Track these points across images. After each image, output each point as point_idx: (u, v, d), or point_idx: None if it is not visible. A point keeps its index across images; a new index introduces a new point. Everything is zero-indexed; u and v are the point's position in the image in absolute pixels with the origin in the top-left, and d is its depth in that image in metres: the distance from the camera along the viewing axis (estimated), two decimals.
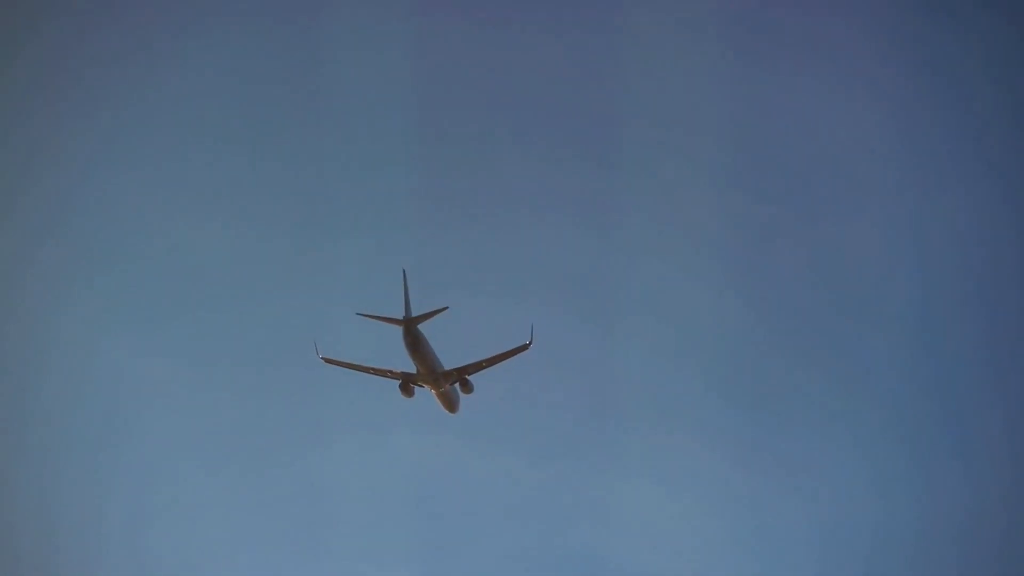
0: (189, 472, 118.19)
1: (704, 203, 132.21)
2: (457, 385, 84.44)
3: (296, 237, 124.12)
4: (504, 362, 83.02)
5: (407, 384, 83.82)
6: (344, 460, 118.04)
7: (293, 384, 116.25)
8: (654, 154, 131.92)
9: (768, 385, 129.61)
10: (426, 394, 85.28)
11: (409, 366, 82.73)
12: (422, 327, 79.87)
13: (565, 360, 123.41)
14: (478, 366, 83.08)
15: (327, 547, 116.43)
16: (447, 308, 78.03)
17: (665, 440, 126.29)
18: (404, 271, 78.69)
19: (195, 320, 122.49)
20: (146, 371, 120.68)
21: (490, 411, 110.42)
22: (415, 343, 79.69)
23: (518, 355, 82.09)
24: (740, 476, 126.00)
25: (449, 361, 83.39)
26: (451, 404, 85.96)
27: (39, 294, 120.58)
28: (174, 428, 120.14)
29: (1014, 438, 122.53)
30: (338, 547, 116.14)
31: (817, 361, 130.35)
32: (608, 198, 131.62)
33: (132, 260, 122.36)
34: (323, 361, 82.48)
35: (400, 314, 78.72)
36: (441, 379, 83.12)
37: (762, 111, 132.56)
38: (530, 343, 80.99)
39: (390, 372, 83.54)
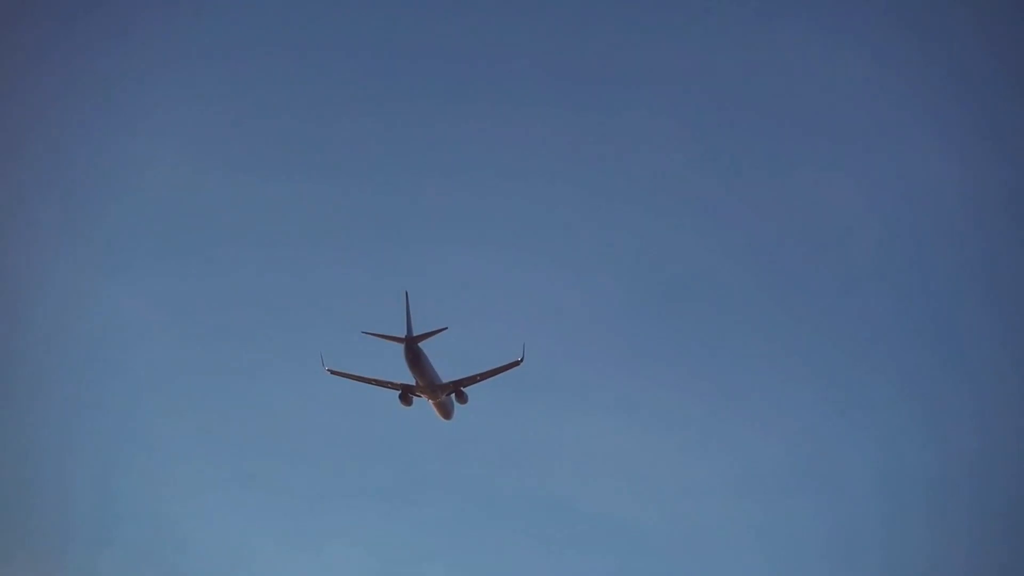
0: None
1: (680, 151, 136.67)
2: (453, 396, 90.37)
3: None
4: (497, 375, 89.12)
5: (406, 395, 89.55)
6: (315, 398, 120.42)
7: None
8: (631, 97, 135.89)
9: (745, 326, 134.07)
10: (423, 403, 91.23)
11: (409, 378, 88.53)
12: (422, 344, 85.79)
13: (541, 304, 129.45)
14: (472, 379, 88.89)
15: (299, 485, 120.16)
16: (446, 328, 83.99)
17: (641, 382, 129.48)
18: (406, 293, 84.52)
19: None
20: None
21: (469, 355, 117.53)
22: (415, 359, 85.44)
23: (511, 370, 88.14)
24: (714, 415, 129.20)
25: (446, 374, 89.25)
26: (447, 413, 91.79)
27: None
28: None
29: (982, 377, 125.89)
30: (306, 486, 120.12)
31: (791, 302, 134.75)
32: (583, 140, 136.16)
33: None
34: (329, 373, 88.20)
35: (402, 332, 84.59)
36: (438, 391, 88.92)
37: (742, 56, 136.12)
38: (522, 360, 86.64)
39: (391, 384, 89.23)
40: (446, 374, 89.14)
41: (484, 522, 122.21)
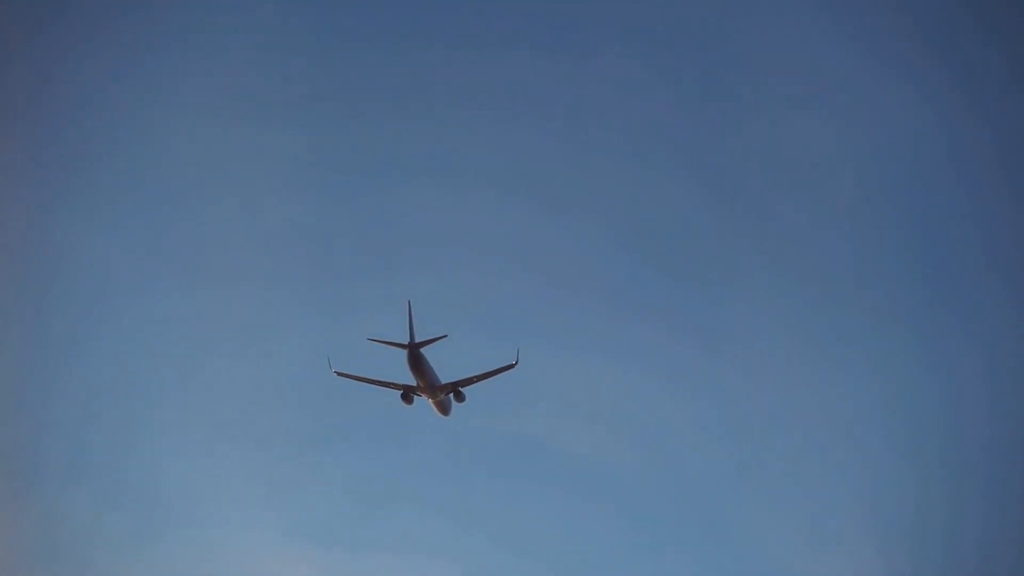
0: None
1: (659, 95, 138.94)
2: (452, 395, 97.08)
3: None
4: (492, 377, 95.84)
5: (408, 394, 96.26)
6: (297, 347, 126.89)
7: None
8: (609, 41, 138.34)
9: (726, 269, 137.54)
10: (423, 401, 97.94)
11: (411, 380, 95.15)
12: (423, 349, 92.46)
13: (523, 248, 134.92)
14: (469, 380, 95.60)
15: (277, 430, 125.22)
16: (446, 336, 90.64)
17: (623, 325, 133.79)
18: (408, 302, 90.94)
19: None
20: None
21: (450, 299, 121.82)
22: (417, 364, 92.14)
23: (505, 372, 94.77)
24: (697, 358, 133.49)
25: (445, 375, 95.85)
26: (445, 410, 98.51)
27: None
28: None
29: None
30: (284, 431, 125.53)
31: (768, 245, 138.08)
32: (561, 84, 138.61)
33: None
34: (336, 375, 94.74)
35: (405, 339, 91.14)
36: (438, 391, 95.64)
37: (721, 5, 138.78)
38: (516, 363, 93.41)
39: (394, 384, 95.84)
40: (444, 375, 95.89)
41: (462, 464, 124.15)
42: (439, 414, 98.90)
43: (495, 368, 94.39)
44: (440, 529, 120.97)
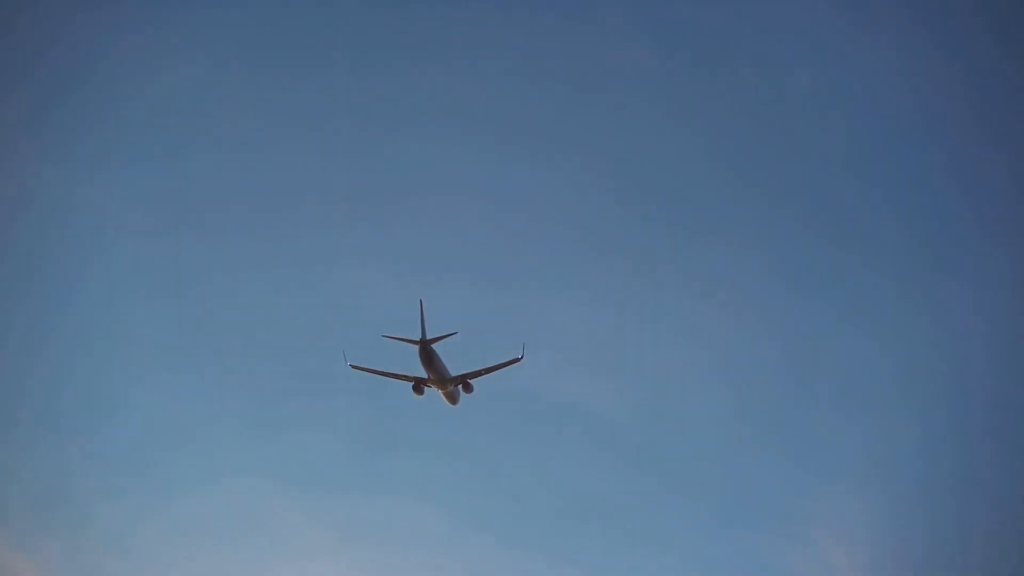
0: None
1: (652, 47, 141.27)
2: (460, 386, 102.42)
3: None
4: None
5: (419, 386, 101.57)
6: (286, 292, 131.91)
7: None
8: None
9: (719, 218, 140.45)
10: (433, 393, 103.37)
11: (422, 372, 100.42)
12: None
13: (517, 195, 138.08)
14: (477, 373, 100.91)
15: (266, 373, 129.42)
16: (456, 333, 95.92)
17: (618, 274, 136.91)
18: (421, 301, 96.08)
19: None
20: None
21: (440, 246, 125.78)
22: (429, 359, 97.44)
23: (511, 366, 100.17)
24: (691, 307, 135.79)
25: (455, 368, 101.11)
26: (453, 401, 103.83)
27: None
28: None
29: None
30: (273, 374, 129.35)
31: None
32: (556, 37, 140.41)
33: None
34: (351, 368, 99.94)
35: (417, 335, 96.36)
36: (447, 383, 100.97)
37: None
38: (522, 357, 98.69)
39: (406, 377, 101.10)
40: (454, 367, 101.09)
41: (453, 410, 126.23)
42: (447, 404, 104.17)
43: (502, 362, 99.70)
44: (433, 475, 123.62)
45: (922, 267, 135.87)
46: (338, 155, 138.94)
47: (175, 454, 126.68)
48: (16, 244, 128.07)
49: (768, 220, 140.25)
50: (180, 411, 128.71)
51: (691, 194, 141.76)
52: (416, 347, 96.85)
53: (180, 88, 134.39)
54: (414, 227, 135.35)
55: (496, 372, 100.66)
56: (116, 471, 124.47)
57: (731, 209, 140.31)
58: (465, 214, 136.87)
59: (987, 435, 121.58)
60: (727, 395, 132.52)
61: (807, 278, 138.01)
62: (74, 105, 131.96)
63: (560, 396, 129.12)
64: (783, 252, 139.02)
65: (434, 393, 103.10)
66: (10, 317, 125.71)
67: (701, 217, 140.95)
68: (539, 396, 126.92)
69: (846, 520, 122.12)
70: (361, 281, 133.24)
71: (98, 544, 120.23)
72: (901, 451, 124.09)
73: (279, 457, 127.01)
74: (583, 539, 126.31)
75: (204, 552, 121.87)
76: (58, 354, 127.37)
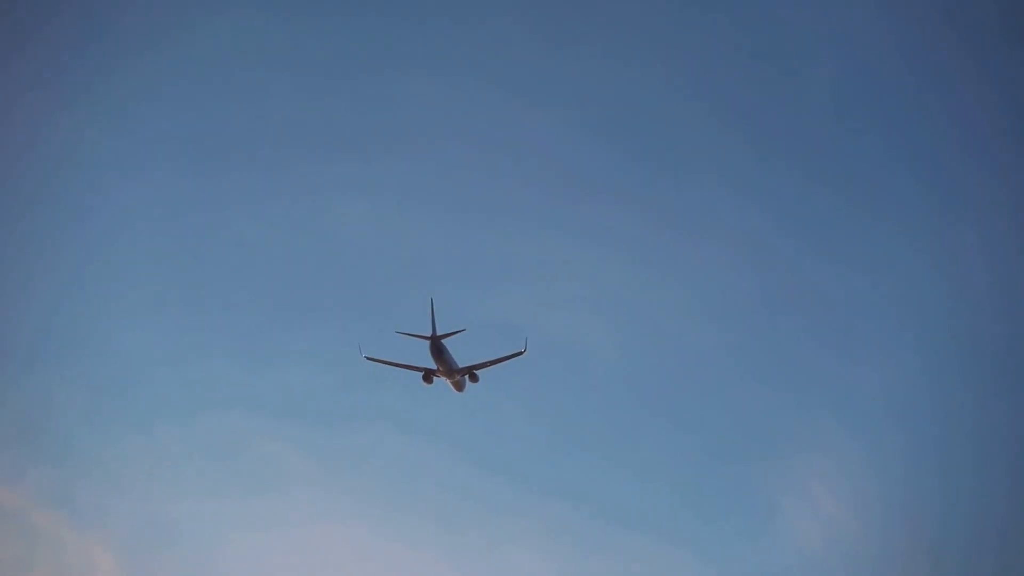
0: None
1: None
2: (467, 376, 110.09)
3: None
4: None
5: (428, 376, 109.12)
6: (279, 228, 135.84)
7: None
8: None
9: (703, 152, 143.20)
10: (442, 382, 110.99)
11: (432, 364, 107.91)
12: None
13: (505, 134, 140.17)
14: (483, 365, 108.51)
15: (259, 307, 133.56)
16: (465, 329, 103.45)
17: (607, 211, 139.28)
18: (432, 299, 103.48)
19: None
20: None
21: (428, 185, 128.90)
22: (439, 353, 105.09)
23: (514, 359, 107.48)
24: (681, 243, 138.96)
25: (463, 360, 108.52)
26: (460, 388, 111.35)
27: None
28: None
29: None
30: (266, 308, 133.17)
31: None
32: None
33: None
34: (366, 359, 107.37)
35: (428, 331, 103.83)
36: (455, 374, 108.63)
37: None
38: (524, 351, 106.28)
39: (418, 368, 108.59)
40: (461, 360, 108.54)
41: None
42: (455, 391, 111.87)
43: (506, 355, 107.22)
44: (416, 406, 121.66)
45: (915, 202, 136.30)
46: (330, 94, 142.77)
47: (163, 386, 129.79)
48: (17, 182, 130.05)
49: (757, 157, 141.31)
50: (168, 344, 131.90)
51: (678, 131, 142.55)
52: (427, 342, 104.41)
53: (178, 30, 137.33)
54: (401, 164, 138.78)
55: (498, 360, 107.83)
56: (103, 403, 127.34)
57: (719, 146, 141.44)
58: (451, 151, 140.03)
59: (979, 375, 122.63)
60: (715, 330, 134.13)
61: (795, 214, 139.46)
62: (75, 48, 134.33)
63: (546, 329, 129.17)
64: (771, 189, 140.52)
65: (442, 382, 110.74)
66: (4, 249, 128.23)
67: (689, 154, 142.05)
68: (524, 328, 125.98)
69: (834, 458, 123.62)
70: (347, 215, 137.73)
71: (85, 475, 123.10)
72: (893, 390, 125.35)
73: (265, 389, 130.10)
74: (569, 469, 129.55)
75: (190, 482, 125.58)
76: (49, 288, 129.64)
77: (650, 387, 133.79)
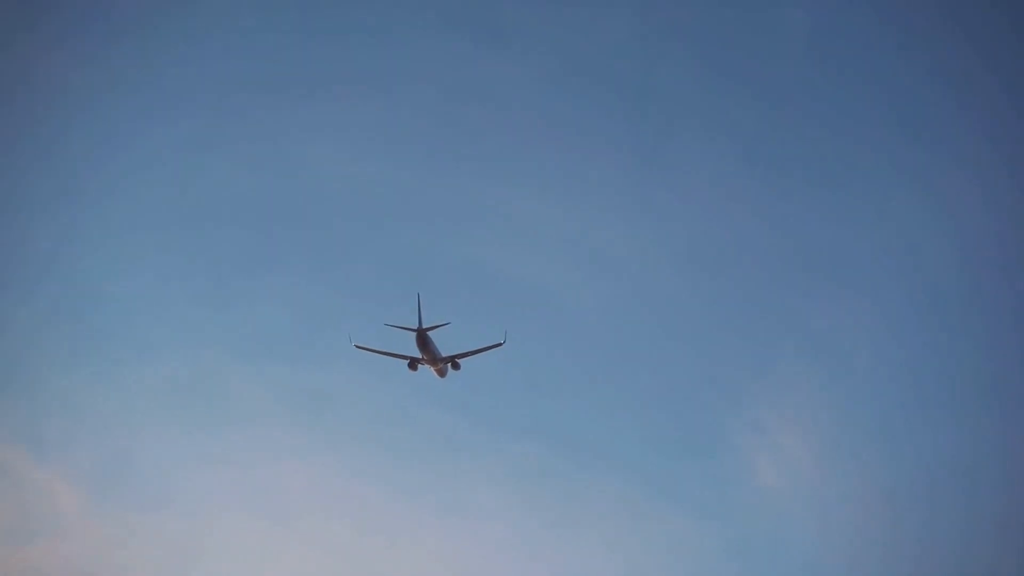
0: None
1: None
2: (449, 365, 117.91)
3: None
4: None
5: (414, 364, 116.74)
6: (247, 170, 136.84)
7: None
8: None
9: (675, 101, 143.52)
10: (426, 369, 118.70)
11: (417, 353, 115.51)
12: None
13: (468, 79, 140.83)
14: (465, 355, 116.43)
15: (225, 250, 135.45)
16: (449, 323, 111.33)
17: (572, 155, 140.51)
18: (419, 294, 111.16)
19: None
20: None
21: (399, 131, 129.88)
22: (424, 344, 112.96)
23: (494, 349, 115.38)
24: (649, 188, 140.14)
25: (446, 350, 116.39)
26: (443, 375, 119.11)
27: None
28: None
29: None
30: (231, 251, 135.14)
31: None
32: None
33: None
34: (356, 347, 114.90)
35: (415, 324, 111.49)
36: (439, 362, 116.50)
37: None
38: (503, 342, 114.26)
39: (404, 356, 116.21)
40: (445, 349, 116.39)
41: (406, 284, 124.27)
42: (437, 377, 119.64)
43: (486, 345, 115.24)
44: (384, 338, 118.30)
45: (900, 149, 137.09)
46: (300, 35, 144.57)
47: (129, 322, 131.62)
48: None
49: (732, 101, 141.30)
50: (135, 281, 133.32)
51: (650, 76, 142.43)
52: (414, 333, 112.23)
53: None
54: (372, 108, 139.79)
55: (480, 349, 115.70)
56: (66, 336, 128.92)
57: (692, 90, 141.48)
58: (422, 98, 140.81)
59: (945, 319, 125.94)
60: (684, 274, 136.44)
61: (769, 161, 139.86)
62: None
63: (516, 274, 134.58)
64: (746, 133, 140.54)
65: (426, 369, 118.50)
66: None
67: (662, 99, 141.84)
68: (497, 275, 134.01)
69: (804, 407, 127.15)
70: (317, 157, 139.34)
71: (46, 408, 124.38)
72: (866, 335, 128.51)
73: (230, 327, 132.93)
74: (536, 410, 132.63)
75: (154, 417, 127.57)
76: (12, 224, 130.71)
77: (617, 330, 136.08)
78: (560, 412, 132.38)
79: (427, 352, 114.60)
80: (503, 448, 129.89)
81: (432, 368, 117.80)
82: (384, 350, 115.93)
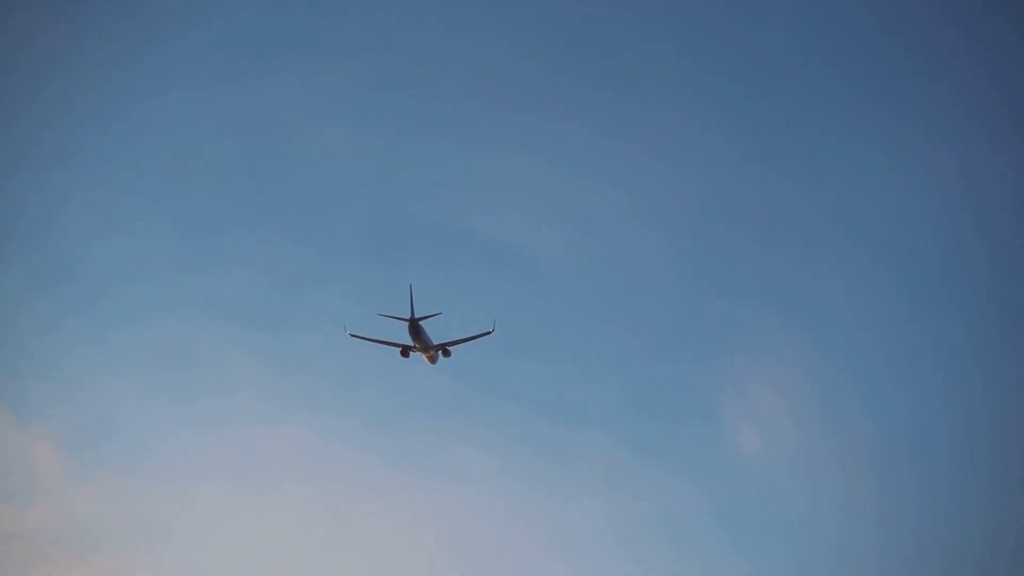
0: None
1: None
2: (440, 352, 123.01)
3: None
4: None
5: (406, 351, 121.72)
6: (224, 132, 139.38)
7: None
8: None
9: (642, 65, 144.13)
10: (417, 356, 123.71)
11: (409, 341, 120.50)
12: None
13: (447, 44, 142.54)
14: (455, 343, 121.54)
15: (201, 215, 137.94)
16: (440, 313, 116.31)
17: (542, 118, 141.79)
18: (411, 285, 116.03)
19: None
20: None
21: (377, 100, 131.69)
22: (416, 333, 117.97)
23: (483, 338, 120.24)
24: (617, 149, 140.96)
25: (437, 338, 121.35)
26: (434, 362, 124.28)
27: None
28: None
29: None
30: (207, 215, 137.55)
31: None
32: None
33: None
34: (350, 336, 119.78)
35: (407, 314, 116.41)
36: (430, 350, 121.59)
37: None
38: (492, 331, 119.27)
39: (396, 344, 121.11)
40: (436, 338, 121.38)
41: (385, 248, 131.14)
42: (429, 364, 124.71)
43: (476, 334, 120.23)
44: (365, 310, 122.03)
45: (878, 113, 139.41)
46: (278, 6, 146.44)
47: (114, 289, 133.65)
48: None
49: (709, 62, 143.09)
50: (117, 246, 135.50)
51: (626, 37, 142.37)
52: (406, 323, 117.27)
53: None
54: (348, 74, 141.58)
55: (467, 339, 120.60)
56: (49, 300, 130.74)
57: (670, 51, 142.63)
58: (397, 64, 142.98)
59: (926, 286, 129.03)
60: (672, 241, 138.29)
61: (754, 125, 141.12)
62: None
63: (495, 235, 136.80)
64: (732, 100, 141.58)
65: (418, 356, 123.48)
66: None
67: (640, 60, 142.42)
68: (474, 235, 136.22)
69: (787, 370, 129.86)
70: (295, 123, 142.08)
71: (28, 370, 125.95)
72: (849, 300, 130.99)
73: (212, 292, 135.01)
74: (515, 371, 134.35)
75: (136, 381, 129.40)
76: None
77: (597, 291, 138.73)
78: (544, 375, 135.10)
79: (419, 340, 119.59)
80: (487, 411, 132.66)
81: (424, 355, 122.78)
82: (378, 339, 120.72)
